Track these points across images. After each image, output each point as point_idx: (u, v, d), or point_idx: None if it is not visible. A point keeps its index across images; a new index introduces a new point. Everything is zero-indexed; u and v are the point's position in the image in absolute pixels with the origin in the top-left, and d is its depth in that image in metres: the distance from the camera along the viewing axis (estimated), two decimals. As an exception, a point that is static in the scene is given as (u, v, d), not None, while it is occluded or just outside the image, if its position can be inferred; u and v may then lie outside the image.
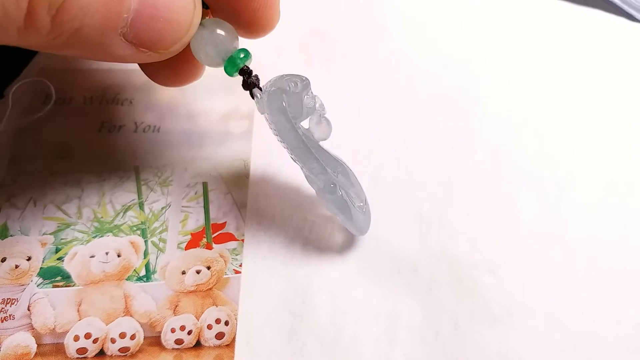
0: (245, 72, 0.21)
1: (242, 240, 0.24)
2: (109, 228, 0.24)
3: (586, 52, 0.29)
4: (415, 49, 0.30)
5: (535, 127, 0.27)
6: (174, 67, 0.22)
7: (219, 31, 0.20)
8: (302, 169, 0.22)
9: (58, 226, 0.24)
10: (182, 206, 0.25)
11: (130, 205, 0.25)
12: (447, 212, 0.24)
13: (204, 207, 0.25)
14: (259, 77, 0.21)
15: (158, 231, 0.24)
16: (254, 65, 0.21)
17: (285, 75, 0.21)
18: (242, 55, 0.20)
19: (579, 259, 0.23)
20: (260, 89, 0.21)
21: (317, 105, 0.21)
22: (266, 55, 0.27)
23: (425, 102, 0.28)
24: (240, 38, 0.21)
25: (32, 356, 0.21)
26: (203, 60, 0.20)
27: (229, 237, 0.24)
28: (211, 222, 0.24)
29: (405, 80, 0.29)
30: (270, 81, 0.21)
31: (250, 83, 0.21)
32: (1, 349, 0.21)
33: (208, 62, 0.20)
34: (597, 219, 0.24)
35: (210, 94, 0.28)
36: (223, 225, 0.24)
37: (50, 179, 0.25)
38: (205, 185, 0.25)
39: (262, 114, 0.22)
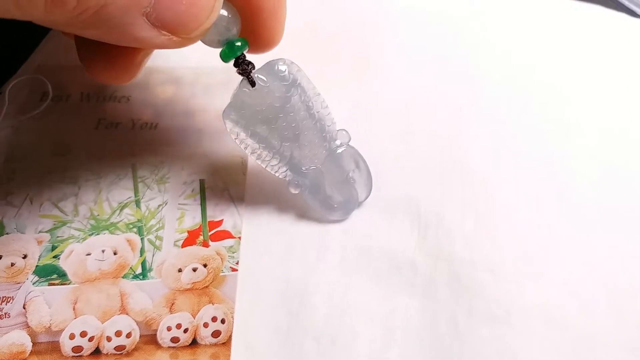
0: (243, 60, 0.21)
1: (239, 237, 0.24)
2: (105, 226, 0.24)
3: (586, 49, 0.29)
4: (411, 46, 0.30)
5: (533, 126, 0.27)
6: (111, 60, 0.21)
7: (222, 12, 0.20)
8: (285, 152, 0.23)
9: (54, 224, 0.24)
10: (179, 204, 0.25)
11: (126, 203, 0.25)
12: (445, 211, 0.24)
13: (201, 204, 0.25)
14: (254, 64, 0.21)
15: (154, 229, 0.24)
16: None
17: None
18: (239, 44, 0.21)
19: (578, 259, 0.23)
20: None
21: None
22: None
23: (422, 102, 0.28)
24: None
25: (28, 354, 0.21)
26: (202, 38, 0.20)
27: (226, 235, 0.24)
28: (208, 219, 0.24)
29: (401, 80, 0.28)
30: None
31: (249, 69, 0.21)
32: (-4, 347, 0.21)
33: (205, 40, 0.20)
34: (596, 219, 0.24)
35: (208, 91, 0.28)
36: (220, 222, 0.24)
37: (46, 177, 0.25)
38: (202, 182, 0.25)
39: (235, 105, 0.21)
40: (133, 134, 0.27)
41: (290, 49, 0.29)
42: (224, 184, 0.25)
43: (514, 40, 0.30)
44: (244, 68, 0.21)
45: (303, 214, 0.24)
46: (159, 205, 0.25)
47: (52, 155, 0.26)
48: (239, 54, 0.21)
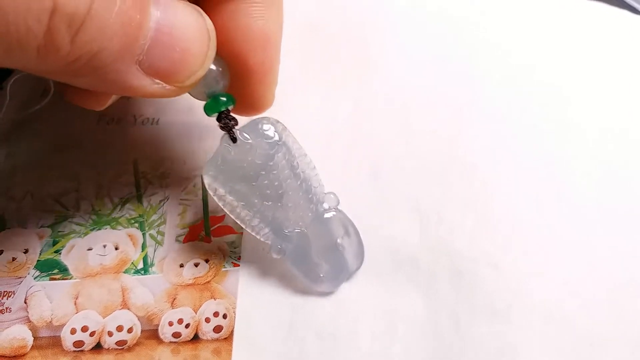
0: (226, 115, 0.20)
1: (241, 233, 0.24)
2: (106, 221, 0.24)
3: (589, 46, 0.29)
4: (412, 46, 0.30)
5: (533, 123, 0.27)
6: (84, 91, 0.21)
7: (212, 65, 0.19)
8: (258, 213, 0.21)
9: (56, 219, 0.24)
10: (181, 199, 0.24)
11: (128, 198, 0.25)
12: (446, 207, 0.24)
13: (203, 200, 0.24)
14: (237, 120, 0.21)
15: (156, 224, 0.24)
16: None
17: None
18: (224, 99, 0.20)
19: (578, 257, 0.23)
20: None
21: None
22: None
23: (423, 99, 0.28)
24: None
25: (29, 349, 0.21)
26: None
27: (228, 230, 0.24)
28: (210, 215, 0.24)
29: (402, 77, 0.28)
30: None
31: (231, 124, 0.21)
32: (-3, 341, 0.21)
33: (192, 91, 0.20)
34: (596, 218, 0.24)
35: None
36: (222, 218, 0.24)
37: (48, 172, 0.25)
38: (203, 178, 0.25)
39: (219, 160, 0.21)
40: (134, 130, 0.26)
41: (294, 47, 0.29)
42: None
43: (515, 39, 0.30)
44: (225, 123, 0.20)
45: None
46: (161, 201, 0.24)
47: (53, 151, 0.26)
48: (222, 109, 0.20)
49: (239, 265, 0.23)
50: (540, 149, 0.26)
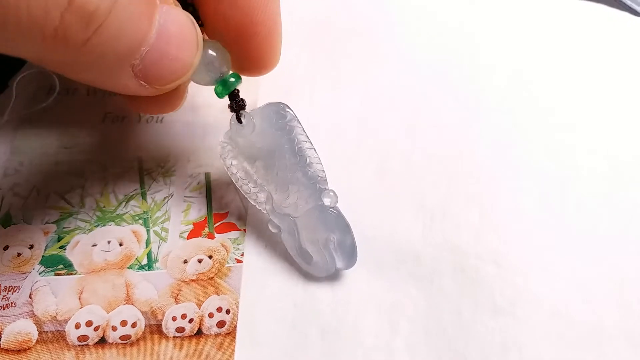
0: (236, 96, 0.22)
1: (244, 230, 0.24)
2: (111, 217, 0.24)
3: (589, 47, 0.29)
4: (418, 42, 0.30)
5: (538, 120, 0.27)
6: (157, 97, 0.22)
7: (212, 52, 0.20)
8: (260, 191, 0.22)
9: (61, 215, 0.24)
10: (185, 196, 0.25)
11: (132, 195, 0.25)
12: (450, 204, 0.24)
13: (207, 197, 0.25)
14: (245, 101, 0.22)
15: (160, 221, 0.24)
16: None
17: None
18: (232, 80, 0.21)
19: (583, 251, 0.23)
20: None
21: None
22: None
23: (429, 96, 0.28)
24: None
25: (33, 343, 0.21)
26: (195, 79, 0.21)
27: (231, 227, 0.24)
28: (213, 212, 0.24)
29: (408, 74, 0.29)
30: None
31: (239, 106, 0.22)
32: (2, 336, 0.21)
33: (200, 81, 0.21)
34: (601, 211, 0.24)
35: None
36: (225, 215, 0.24)
37: (53, 169, 0.25)
38: (207, 175, 0.25)
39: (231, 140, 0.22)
40: (139, 128, 0.27)
41: (301, 43, 0.30)
42: (230, 177, 0.25)
43: (519, 38, 0.30)
44: (233, 104, 0.22)
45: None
46: (165, 198, 0.25)
47: (58, 148, 0.26)
48: (232, 89, 0.21)
49: (242, 262, 0.23)
50: (545, 145, 0.26)
